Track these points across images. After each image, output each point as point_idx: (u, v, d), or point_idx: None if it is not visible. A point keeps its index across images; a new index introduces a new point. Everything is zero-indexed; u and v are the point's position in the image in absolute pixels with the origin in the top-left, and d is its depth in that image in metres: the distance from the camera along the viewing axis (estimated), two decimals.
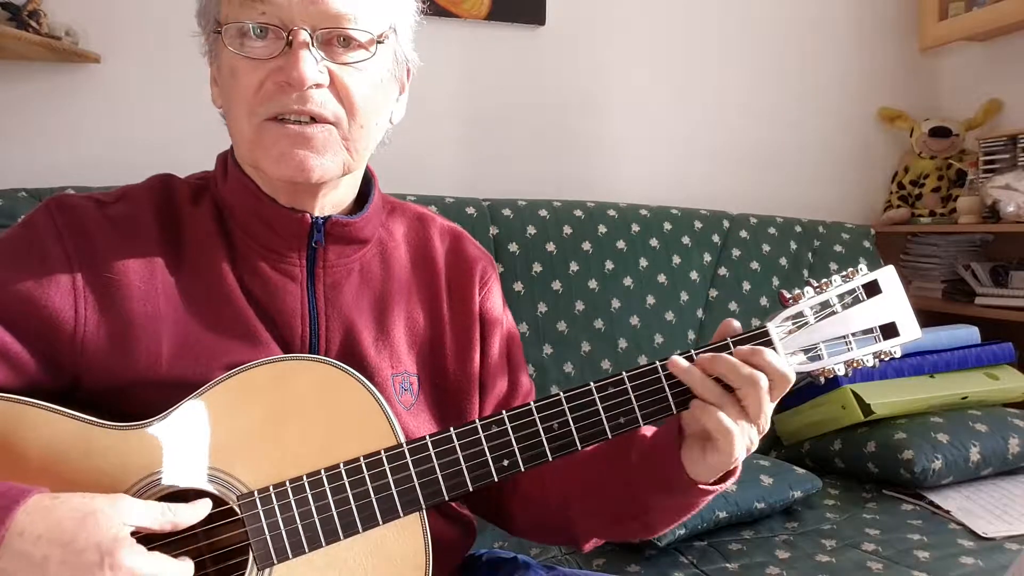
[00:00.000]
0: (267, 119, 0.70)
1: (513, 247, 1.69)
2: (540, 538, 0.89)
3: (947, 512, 1.44)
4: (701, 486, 0.72)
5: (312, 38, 0.69)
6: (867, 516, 1.45)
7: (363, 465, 0.69)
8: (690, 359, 0.71)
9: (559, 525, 0.85)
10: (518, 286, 1.67)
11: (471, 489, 0.70)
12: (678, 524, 0.79)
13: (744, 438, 0.69)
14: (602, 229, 1.78)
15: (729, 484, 0.74)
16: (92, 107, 1.70)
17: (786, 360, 0.71)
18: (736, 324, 0.73)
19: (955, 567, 1.23)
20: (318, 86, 0.70)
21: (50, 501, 0.59)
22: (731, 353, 0.70)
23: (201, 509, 0.65)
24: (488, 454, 0.70)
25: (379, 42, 0.73)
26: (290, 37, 0.69)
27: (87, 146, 1.70)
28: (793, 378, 0.69)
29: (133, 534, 0.60)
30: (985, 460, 1.53)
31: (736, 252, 1.90)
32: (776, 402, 0.70)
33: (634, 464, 0.75)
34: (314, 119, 0.70)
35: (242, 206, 0.76)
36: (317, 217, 0.76)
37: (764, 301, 1.87)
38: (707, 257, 1.87)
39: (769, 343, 0.72)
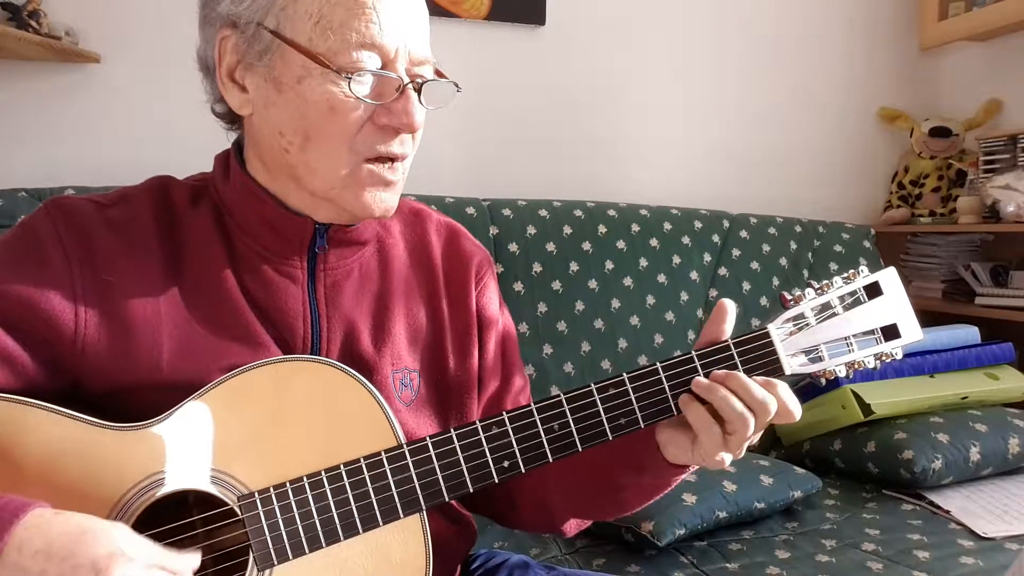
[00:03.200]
0: (365, 159, 0.72)
1: (513, 247, 1.69)
2: (523, 523, 0.90)
3: (947, 512, 1.44)
4: (676, 467, 0.74)
5: (420, 88, 0.73)
6: (867, 516, 1.45)
7: (363, 466, 0.69)
8: (690, 360, 0.72)
9: (537, 505, 0.86)
10: (518, 286, 1.67)
11: (471, 490, 0.70)
12: (650, 503, 0.81)
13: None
14: (602, 229, 1.78)
15: (698, 466, 0.76)
16: (92, 107, 1.70)
17: (794, 397, 0.71)
18: (728, 304, 0.73)
19: (955, 567, 1.23)
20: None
21: (50, 516, 0.59)
22: (734, 355, 0.71)
23: (193, 561, 0.63)
24: (488, 455, 0.70)
25: (458, 89, 0.78)
26: (404, 86, 0.71)
27: (87, 146, 1.70)
28: (799, 416, 0.70)
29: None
30: (985, 460, 1.54)
31: (736, 252, 1.90)
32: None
33: (607, 444, 0.75)
34: (401, 159, 0.74)
35: (245, 209, 0.76)
36: (319, 223, 0.76)
37: (764, 301, 1.87)
38: (707, 257, 1.87)
39: (769, 344, 0.72)
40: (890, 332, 0.74)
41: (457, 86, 0.77)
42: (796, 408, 0.70)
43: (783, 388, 0.70)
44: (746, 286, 1.88)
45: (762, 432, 0.71)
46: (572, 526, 0.87)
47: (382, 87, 0.71)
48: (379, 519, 0.69)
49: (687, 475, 0.77)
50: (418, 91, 0.72)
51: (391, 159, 0.73)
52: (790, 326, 0.73)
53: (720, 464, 0.71)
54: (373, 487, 0.69)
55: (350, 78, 0.69)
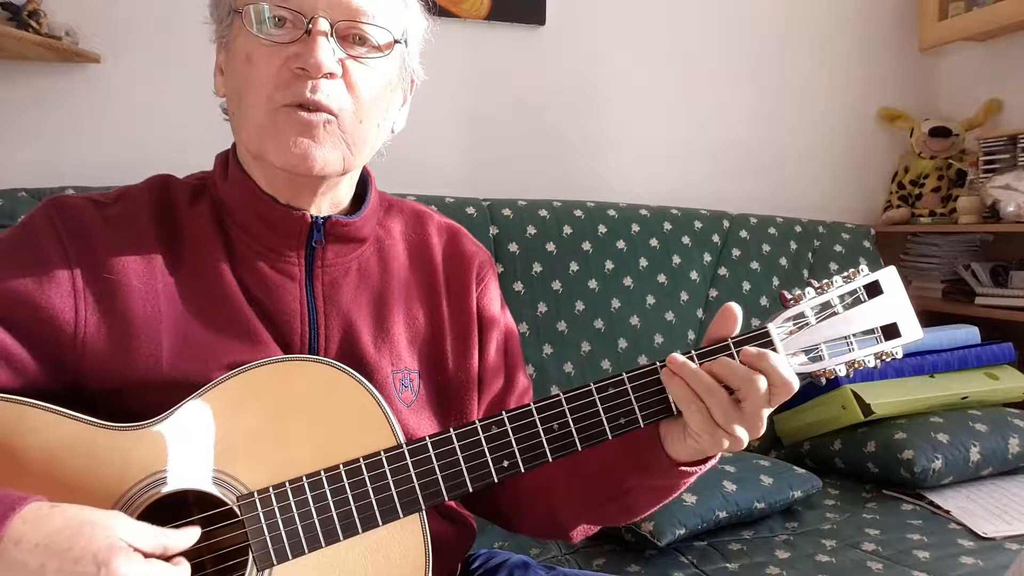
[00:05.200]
0: (282, 106, 0.71)
1: (513, 247, 1.69)
2: (530, 530, 0.89)
3: (947, 512, 1.44)
4: (681, 467, 0.73)
5: (331, 29, 0.71)
6: (867, 516, 1.45)
7: (363, 466, 0.69)
8: (690, 359, 0.71)
9: (545, 512, 0.85)
10: (518, 286, 1.67)
11: (471, 490, 0.70)
12: (659, 507, 0.80)
13: (726, 439, 0.69)
14: (602, 229, 1.78)
15: (709, 467, 0.75)
16: (92, 107, 1.70)
17: (789, 365, 0.70)
18: (735, 308, 0.72)
19: (955, 567, 1.23)
20: (331, 75, 0.71)
21: (48, 509, 0.58)
22: (734, 354, 0.70)
23: (191, 535, 0.64)
24: (488, 455, 0.70)
25: (396, 42, 0.76)
26: (309, 25, 0.70)
27: (87, 146, 1.70)
28: (796, 386, 0.69)
29: None
30: (985, 460, 1.54)
31: (736, 252, 1.90)
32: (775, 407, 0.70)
33: (612, 445, 0.75)
34: (319, 108, 0.71)
35: (242, 205, 0.76)
36: (316, 217, 0.76)
37: (764, 301, 1.87)
38: (707, 257, 1.87)
39: (770, 343, 0.72)
40: (890, 331, 0.73)
41: (398, 41, 0.75)
42: (791, 376, 0.68)
43: (776, 358, 0.68)
44: (746, 286, 1.88)
45: (767, 417, 0.70)
46: (579, 533, 0.87)
47: (294, 32, 0.71)
48: (378, 519, 0.69)
49: (693, 479, 0.76)
50: (332, 34, 0.71)
51: (307, 107, 0.71)
52: (790, 325, 0.73)
53: (718, 447, 0.69)
54: (372, 487, 0.69)
55: (240, 13, 0.70)
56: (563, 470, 0.80)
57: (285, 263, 0.77)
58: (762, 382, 0.67)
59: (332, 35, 0.71)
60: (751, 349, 0.69)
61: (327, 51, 0.70)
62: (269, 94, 0.71)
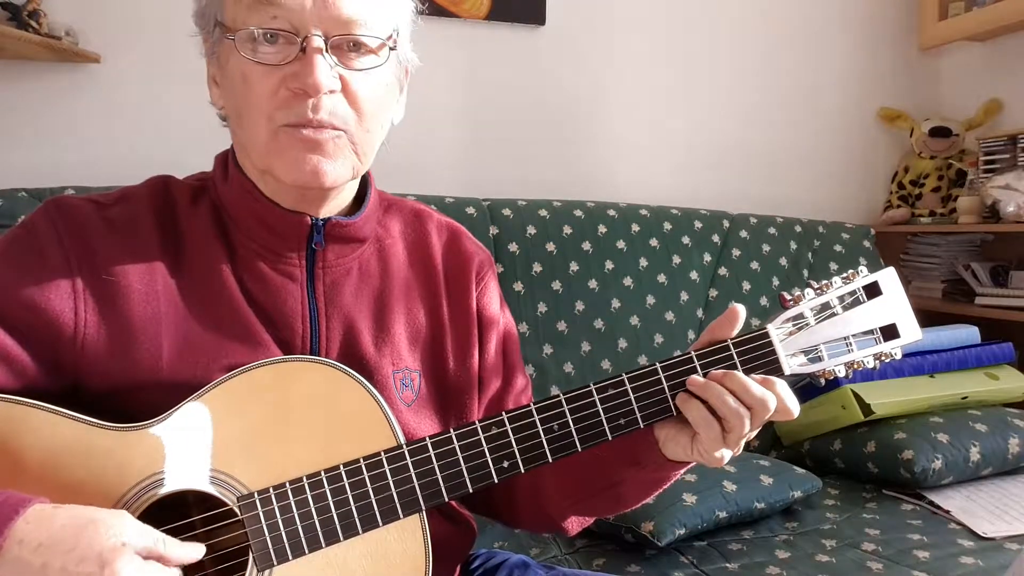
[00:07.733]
0: (283, 126, 0.70)
1: (513, 247, 1.69)
2: (524, 523, 0.89)
3: (947, 512, 1.44)
4: (675, 460, 0.74)
5: (325, 44, 0.69)
6: (867, 516, 1.45)
7: (363, 466, 0.69)
8: (689, 360, 0.72)
9: (537, 505, 0.85)
10: (518, 286, 1.67)
11: (471, 490, 0.70)
12: (650, 498, 0.81)
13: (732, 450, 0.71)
14: (602, 229, 1.78)
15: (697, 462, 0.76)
16: (92, 107, 1.70)
17: (793, 395, 0.71)
18: (740, 310, 0.73)
19: (955, 567, 1.23)
20: (331, 92, 0.70)
21: (51, 510, 0.59)
22: (734, 355, 0.71)
23: (195, 552, 0.64)
24: (488, 455, 0.70)
25: (390, 48, 0.74)
26: (304, 43, 0.68)
27: (87, 146, 1.70)
28: (796, 413, 0.70)
29: None
30: (985, 460, 1.54)
31: (736, 252, 1.90)
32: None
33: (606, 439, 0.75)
34: (322, 126, 0.70)
35: (242, 208, 0.76)
36: (316, 219, 0.76)
37: (764, 301, 1.87)
38: (707, 257, 1.87)
39: (769, 344, 0.72)
40: (889, 332, 0.74)
41: (392, 47, 0.73)
42: (794, 406, 0.70)
43: (781, 385, 0.70)
44: (746, 286, 1.88)
45: (759, 430, 0.71)
46: (574, 524, 0.87)
47: (287, 50, 0.69)
48: (379, 519, 0.69)
49: (685, 470, 0.77)
50: (328, 49, 0.69)
51: (311, 125, 0.70)
52: (789, 326, 0.73)
53: (719, 462, 0.71)
54: (372, 487, 0.69)
55: (233, 39, 0.69)
56: (554, 464, 0.80)
57: (286, 264, 0.77)
58: (772, 403, 0.69)
59: (328, 50, 0.69)
60: (756, 377, 0.70)
61: (325, 70, 0.68)
62: (269, 114, 0.70)
